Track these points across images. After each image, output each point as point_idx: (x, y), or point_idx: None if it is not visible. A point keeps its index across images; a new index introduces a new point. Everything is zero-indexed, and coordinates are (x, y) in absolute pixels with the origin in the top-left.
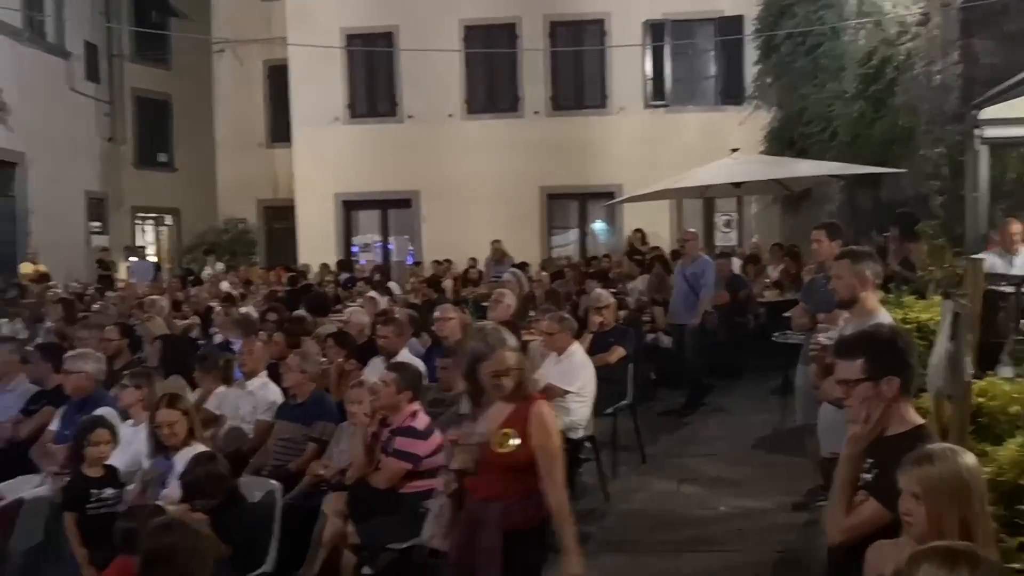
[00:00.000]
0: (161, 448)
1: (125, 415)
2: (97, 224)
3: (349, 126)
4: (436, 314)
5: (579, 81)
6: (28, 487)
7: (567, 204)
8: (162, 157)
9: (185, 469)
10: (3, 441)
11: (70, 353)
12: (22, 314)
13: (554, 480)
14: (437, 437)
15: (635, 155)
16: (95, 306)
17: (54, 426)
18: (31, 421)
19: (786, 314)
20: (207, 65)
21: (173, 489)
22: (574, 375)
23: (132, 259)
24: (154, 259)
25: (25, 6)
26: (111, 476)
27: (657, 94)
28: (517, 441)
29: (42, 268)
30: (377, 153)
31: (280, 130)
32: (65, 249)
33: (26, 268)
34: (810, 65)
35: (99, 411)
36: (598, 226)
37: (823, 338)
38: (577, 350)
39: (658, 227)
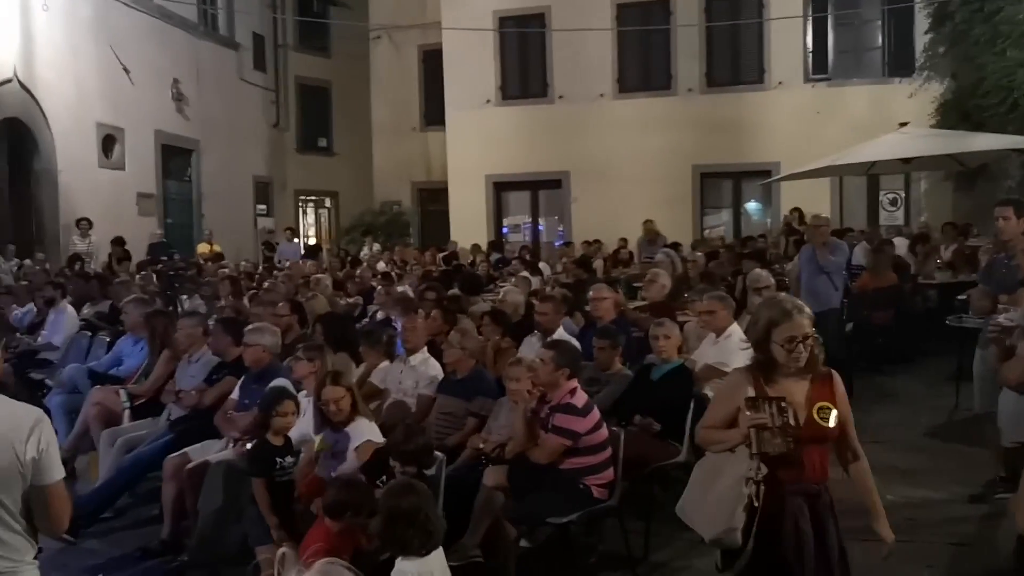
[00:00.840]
0: (327, 422)
1: (298, 386)
2: (263, 207)
3: (501, 108)
4: (590, 294)
5: (735, 56)
6: (212, 451)
7: (721, 183)
8: (322, 142)
9: (399, 439)
10: (189, 408)
11: (249, 327)
12: (200, 291)
13: (859, 449)
14: (596, 414)
15: (794, 131)
16: (265, 284)
17: (235, 395)
18: (214, 390)
19: (960, 296)
20: (365, 52)
21: (349, 460)
22: (733, 356)
23: (280, 242)
24: (312, 240)
25: (200, 1)
26: (289, 445)
27: (819, 67)
28: (835, 413)
29: (216, 248)
30: (528, 134)
31: (434, 113)
32: (234, 230)
33: (203, 248)
34: (989, 32)
35: (275, 382)
36: (752, 205)
37: (1004, 319)
38: (736, 331)
39: (818, 206)
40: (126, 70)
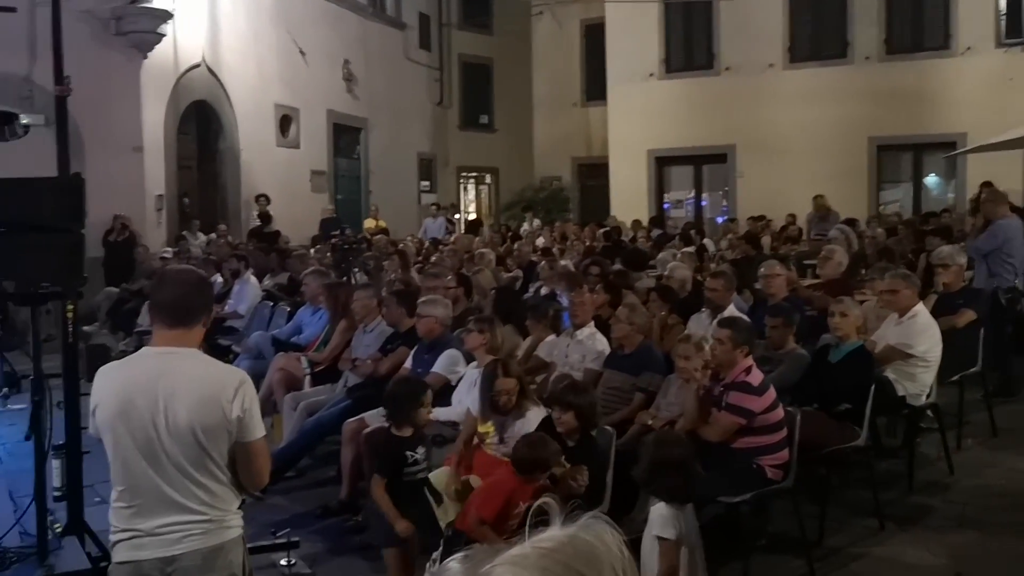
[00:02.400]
0: (495, 409)
1: (469, 357)
2: (426, 183)
3: (664, 81)
4: (762, 270)
5: (918, 21)
6: None
7: (899, 156)
8: (483, 119)
9: (565, 388)
10: (365, 376)
11: (422, 299)
12: (367, 265)
13: None
14: (772, 394)
15: (983, 100)
16: (432, 258)
17: (408, 364)
18: (388, 359)
19: None
20: (526, 28)
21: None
22: (917, 337)
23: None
24: (472, 216)
25: None
26: (418, 436)
27: (1013, 30)
28: None
29: (383, 223)
30: (692, 107)
31: (595, 88)
32: (399, 206)
33: (369, 223)
34: None
35: (446, 353)
36: (932, 180)
37: None
38: (921, 311)
39: (1010, 180)
40: (302, 53)
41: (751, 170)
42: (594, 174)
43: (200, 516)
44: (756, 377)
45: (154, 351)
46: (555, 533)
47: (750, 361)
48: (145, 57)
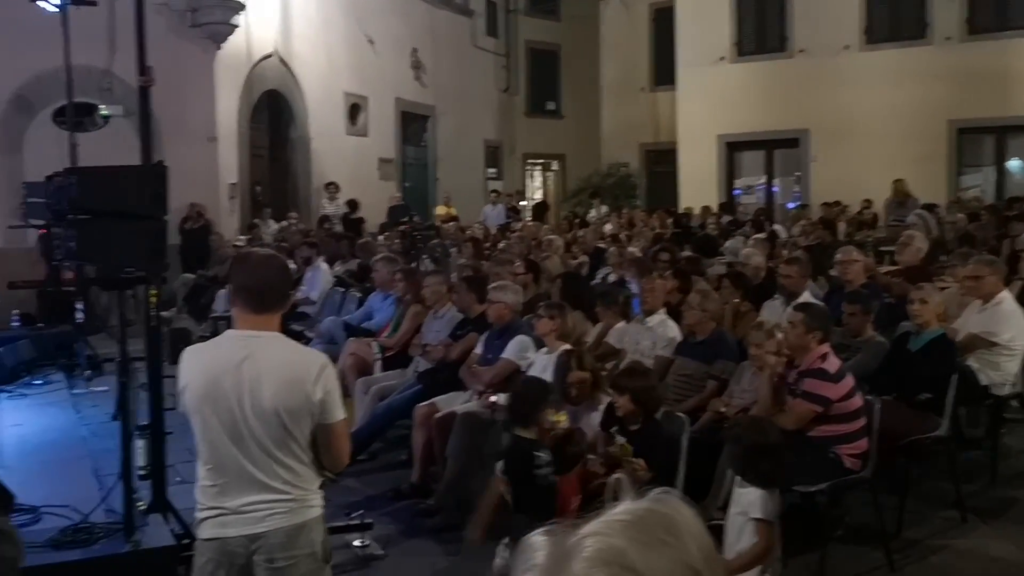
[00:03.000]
0: (568, 399)
1: (539, 343)
2: (493, 170)
3: (735, 65)
4: (838, 256)
5: None
6: (458, 402)
7: (981, 139)
8: (550, 105)
9: (624, 371)
10: (435, 361)
11: (493, 285)
12: (435, 251)
13: None
14: (849, 381)
15: None
16: (500, 244)
17: (478, 349)
18: (459, 345)
19: None
20: (594, 13)
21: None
22: (1002, 325)
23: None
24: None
25: None
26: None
27: None
28: None
29: (452, 211)
30: (764, 91)
31: (663, 73)
32: (466, 193)
33: (440, 210)
34: None
35: (516, 338)
36: (1014, 164)
37: None
38: (1006, 297)
39: None
40: (371, 41)
41: (825, 155)
42: (662, 160)
43: (283, 495)
44: (833, 364)
45: (238, 334)
46: (631, 506)
47: (826, 348)
48: (219, 48)
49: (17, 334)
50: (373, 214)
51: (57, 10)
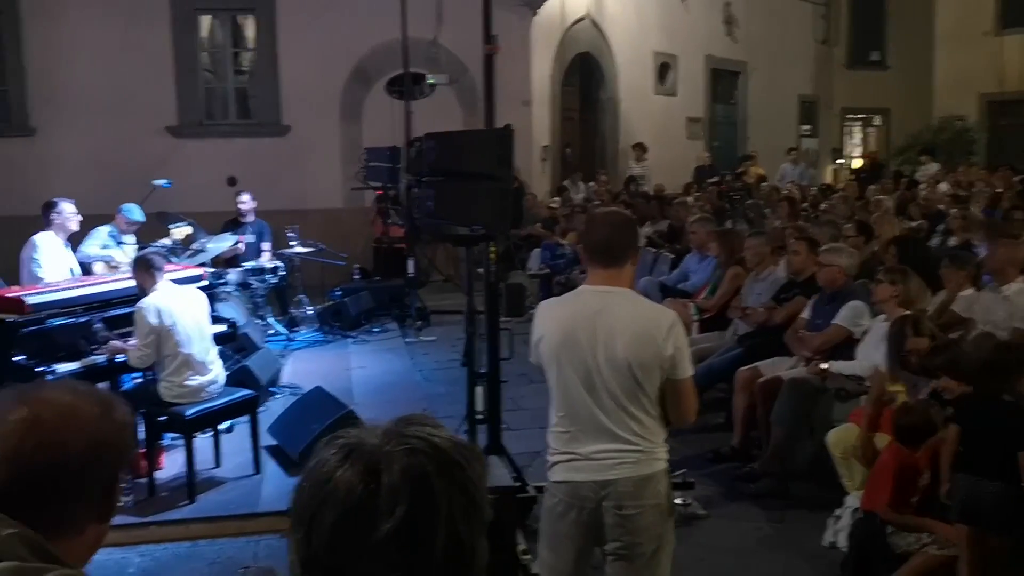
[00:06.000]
0: (905, 365)
1: (876, 309)
2: (807, 127)
3: None
4: None
5: None
6: (783, 368)
7: None
8: (874, 55)
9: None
10: (756, 324)
11: (825, 247)
12: (749, 212)
13: None
14: None
15: None
16: (822, 205)
17: (805, 314)
18: (784, 308)
19: None
20: None
21: None
22: None
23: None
24: (856, 163)
25: None
26: None
27: None
28: None
29: (761, 171)
30: None
31: (1012, 13)
32: (777, 152)
33: (755, 170)
34: None
35: (850, 304)
36: None
37: None
38: None
39: None
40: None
41: None
42: (1007, 111)
43: (632, 446)
44: None
45: (592, 289)
46: None
47: None
48: (535, 14)
49: (357, 286)
50: (680, 175)
51: None
